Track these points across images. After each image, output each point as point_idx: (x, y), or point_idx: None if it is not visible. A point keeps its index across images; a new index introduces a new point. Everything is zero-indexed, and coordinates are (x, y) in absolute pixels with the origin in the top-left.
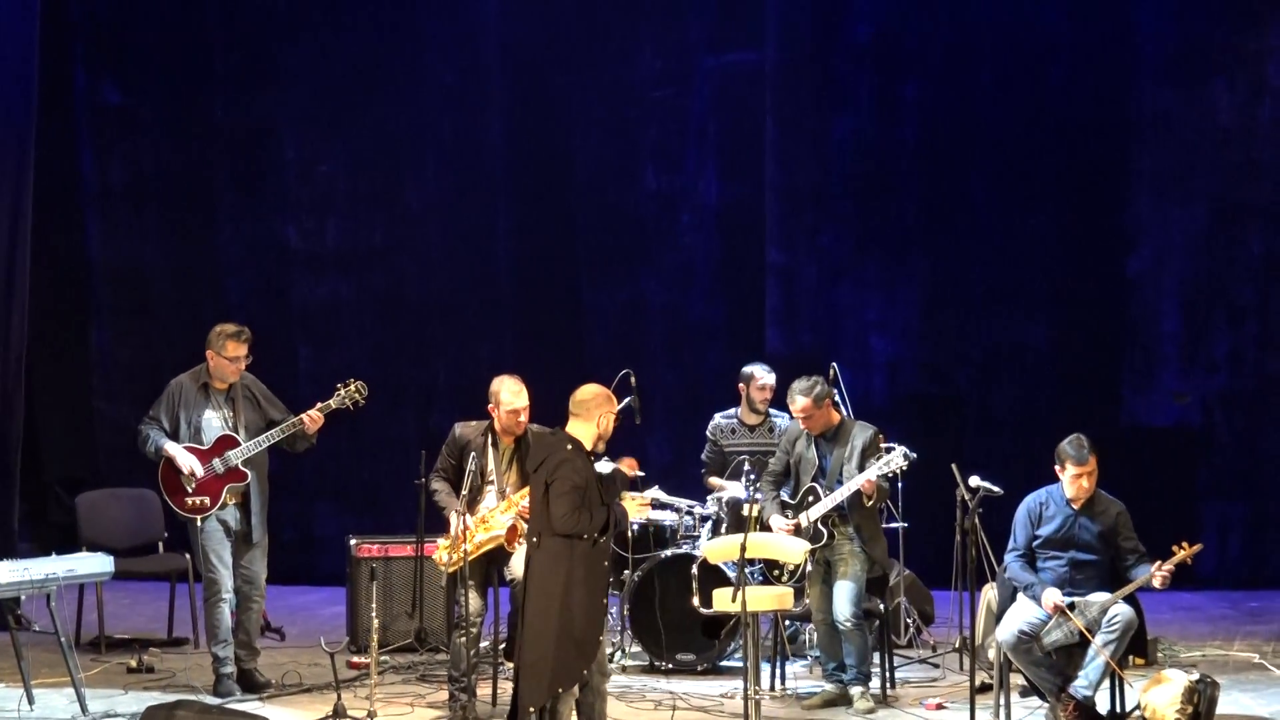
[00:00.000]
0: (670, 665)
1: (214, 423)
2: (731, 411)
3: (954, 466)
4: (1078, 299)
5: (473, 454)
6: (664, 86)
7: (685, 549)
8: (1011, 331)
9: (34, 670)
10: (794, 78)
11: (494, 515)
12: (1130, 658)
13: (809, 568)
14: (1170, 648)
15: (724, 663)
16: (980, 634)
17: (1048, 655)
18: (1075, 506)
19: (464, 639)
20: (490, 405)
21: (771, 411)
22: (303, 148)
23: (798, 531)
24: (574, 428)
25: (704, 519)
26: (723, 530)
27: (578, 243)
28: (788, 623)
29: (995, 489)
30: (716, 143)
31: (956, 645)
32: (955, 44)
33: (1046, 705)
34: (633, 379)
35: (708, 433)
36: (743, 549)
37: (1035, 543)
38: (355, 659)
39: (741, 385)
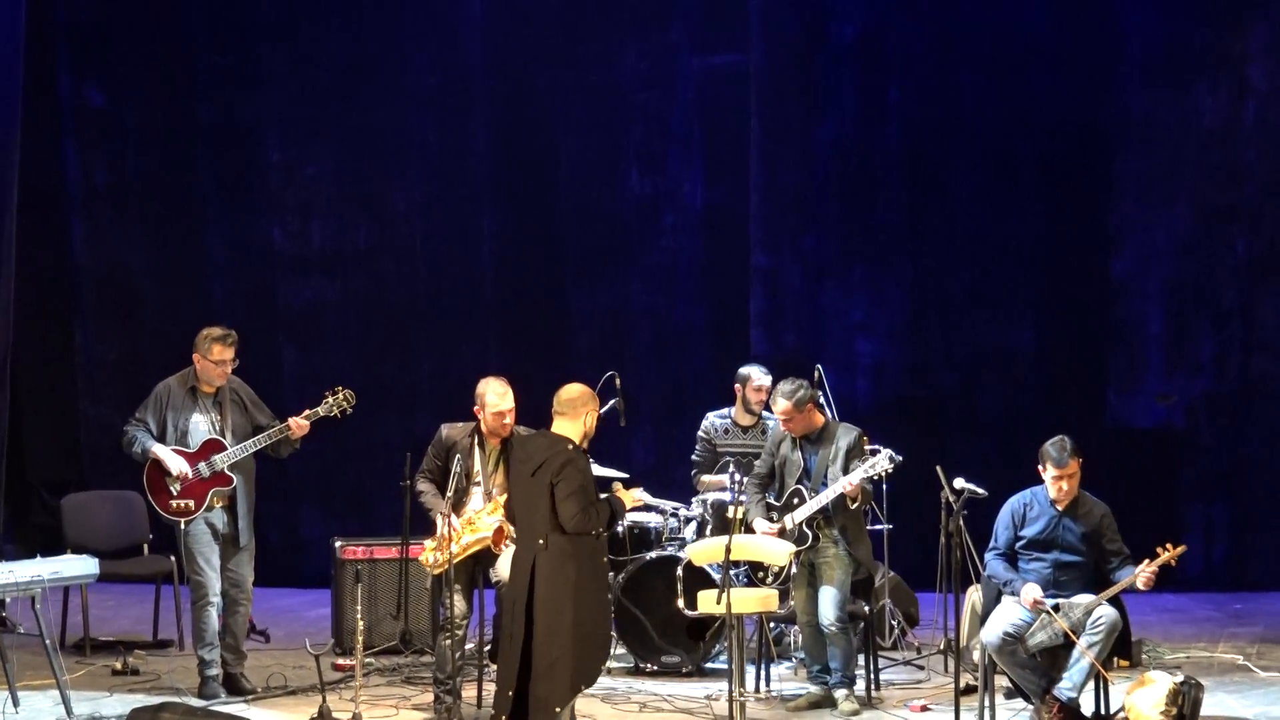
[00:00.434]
0: (655, 667)
1: (201, 426)
2: (725, 411)
3: (938, 468)
4: (1062, 301)
5: (458, 455)
6: (648, 88)
7: (670, 551)
8: (996, 334)
9: (19, 673)
10: (778, 80)
11: (480, 517)
12: (1115, 659)
13: (794, 570)
14: (1154, 649)
15: (709, 665)
16: (965, 636)
17: (1032, 657)
18: (1059, 508)
19: (449, 641)
20: (476, 407)
21: (765, 414)
22: (287, 150)
23: (782, 534)
24: (561, 427)
25: (689, 521)
26: (708, 532)
27: (562, 244)
28: (773, 625)
29: (980, 491)
30: (701, 145)
31: (941, 647)
32: (939, 46)
33: (1031, 707)
34: (617, 381)
35: (700, 432)
36: (727, 551)
37: (1019, 544)
38: (340, 661)
39: (737, 386)
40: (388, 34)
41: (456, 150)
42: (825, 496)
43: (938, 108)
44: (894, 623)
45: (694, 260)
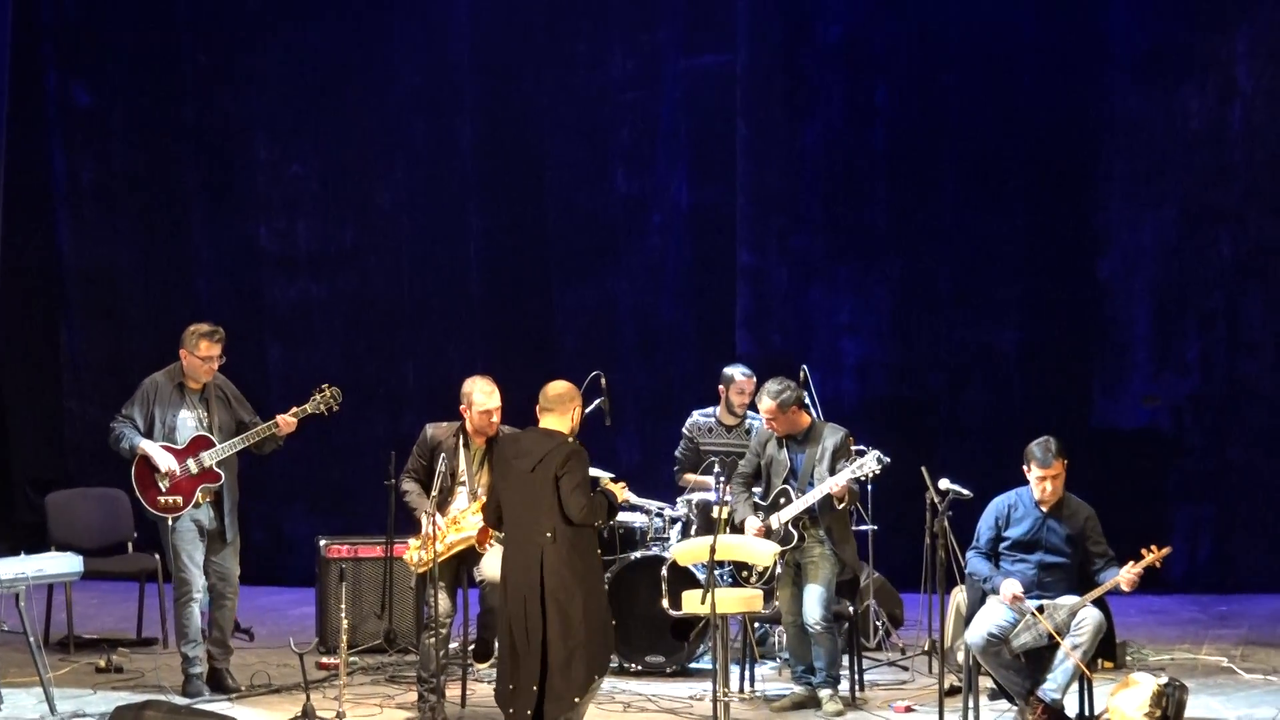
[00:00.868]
0: (639, 667)
1: (189, 423)
2: (710, 410)
3: (924, 469)
4: (1048, 302)
5: (443, 455)
6: (635, 88)
7: (654, 551)
8: (982, 334)
9: (2, 670)
10: (764, 80)
11: (465, 516)
12: (1099, 661)
13: (779, 570)
14: (1139, 651)
15: (693, 665)
16: (949, 637)
17: (1016, 658)
18: (1044, 509)
19: (433, 640)
20: (462, 406)
21: (749, 414)
22: (273, 149)
23: (768, 533)
24: (550, 423)
25: (674, 521)
26: (692, 532)
27: (548, 244)
28: (757, 625)
29: (965, 492)
30: (687, 145)
31: (925, 648)
32: (924, 47)
33: (1015, 708)
34: (603, 380)
35: (684, 429)
36: (712, 551)
37: (1004, 545)
38: (324, 660)
39: (721, 387)
40: (374, 33)
41: (443, 150)
42: (812, 496)
43: (924, 108)
44: (878, 623)
45: (680, 260)
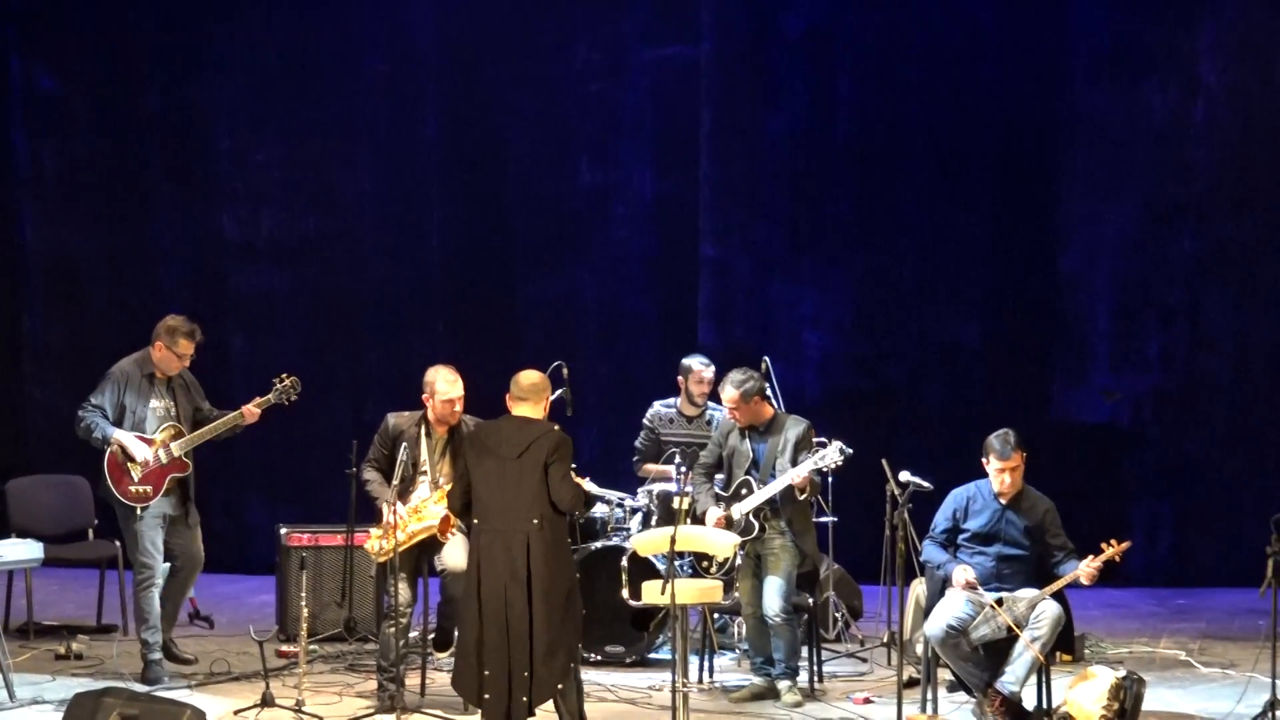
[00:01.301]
0: (599, 657)
1: (158, 412)
2: (671, 401)
3: (884, 462)
4: (1010, 296)
5: (405, 444)
6: (599, 79)
7: (615, 541)
8: (943, 328)
9: None
10: (728, 72)
11: (426, 505)
12: (1057, 654)
13: (739, 561)
14: (1097, 644)
15: (652, 655)
16: (908, 628)
17: (975, 650)
18: (1003, 501)
19: (393, 629)
20: (425, 395)
21: (710, 405)
22: (237, 137)
23: (729, 524)
24: (524, 412)
25: (634, 511)
26: (653, 523)
27: (512, 234)
28: (716, 616)
29: (925, 484)
30: (651, 136)
31: (884, 640)
32: (888, 40)
33: (973, 700)
34: (565, 370)
35: (645, 420)
36: (672, 542)
37: (962, 536)
38: (284, 648)
39: (680, 377)
40: (338, 21)
41: (406, 139)
42: (774, 487)
43: (887, 102)
44: (838, 615)
45: (643, 251)
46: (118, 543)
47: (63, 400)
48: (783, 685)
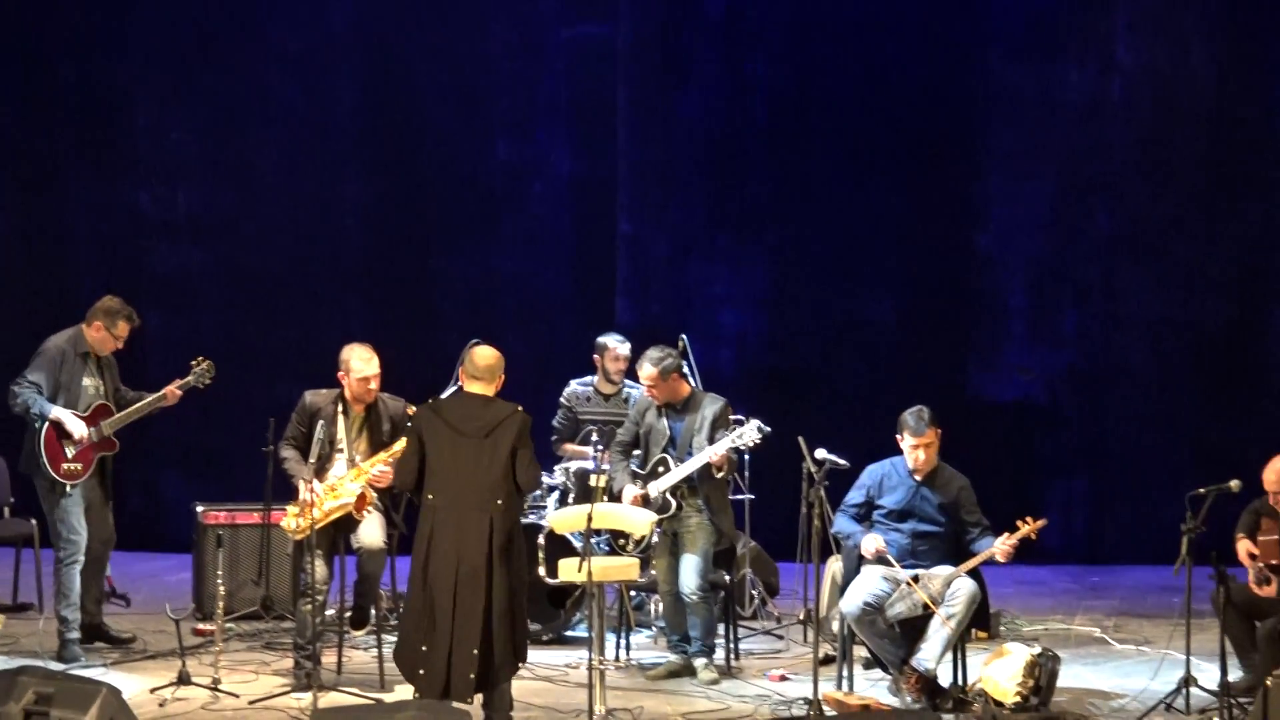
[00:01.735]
0: None
1: (89, 391)
2: (588, 379)
3: (800, 439)
4: (925, 273)
5: (322, 421)
6: (516, 57)
7: (532, 519)
8: (859, 306)
9: None
10: (645, 52)
11: (343, 483)
12: (973, 631)
13: (655, 539)
14: (1012, 621)
15: (569, 633)
16: (824, 606)
17: (891, 627)
18: (917, 478)
19: (310, 607)
20: (340, 373)
21: (627, 382)
22: (152, 114)
23: (646, 502)
24: (479, 390)
25: (551, 489)
26: (570, 500)
27: (429, 212)
28: (633, 593)
29: (841, 462)
30: (568, 115)
31: (801, 617)
32: (803, 20)
33: (889, 677)
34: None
35: (562, 399)
36: (589, 519)
37: (878, 513)
38: (200, 626)
39: (596, 356)
40: None
41: (322, 116)
42: (691, 465)
43: (803, 81)
44: (754, 592)
45: (560, 229)
46: (34, 520)
47: None
48: (699, 663)
